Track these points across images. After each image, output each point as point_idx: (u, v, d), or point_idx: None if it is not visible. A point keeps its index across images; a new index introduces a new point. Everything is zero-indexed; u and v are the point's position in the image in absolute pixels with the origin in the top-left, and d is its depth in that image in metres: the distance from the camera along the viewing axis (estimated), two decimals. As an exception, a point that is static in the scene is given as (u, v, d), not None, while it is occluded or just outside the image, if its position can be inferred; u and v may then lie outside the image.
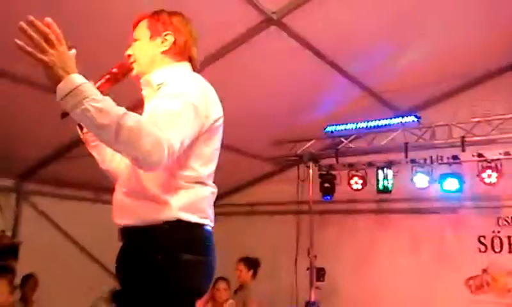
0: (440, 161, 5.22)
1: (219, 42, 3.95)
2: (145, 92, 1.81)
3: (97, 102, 1.41)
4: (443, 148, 5.22)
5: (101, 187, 6.28)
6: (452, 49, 4.72)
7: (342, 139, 5.74)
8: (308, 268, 5.60)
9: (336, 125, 5.57)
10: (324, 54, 4.39)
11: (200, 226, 1.67)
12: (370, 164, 5.58)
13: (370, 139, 5.65)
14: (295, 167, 6.17)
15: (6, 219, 5.63)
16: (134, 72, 1.80)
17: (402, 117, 5.23)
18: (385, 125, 5.28)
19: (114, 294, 5.07)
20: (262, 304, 4.93)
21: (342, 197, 6.05)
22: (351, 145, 5.69)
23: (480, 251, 5.51)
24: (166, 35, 1.79)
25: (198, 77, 1.73)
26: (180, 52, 1.81)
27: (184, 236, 1.62)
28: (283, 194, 6.63)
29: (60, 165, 5.37)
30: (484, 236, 5.51)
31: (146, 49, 1.79)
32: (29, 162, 5.49)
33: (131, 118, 1.42)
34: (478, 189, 5.17)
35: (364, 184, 5.61)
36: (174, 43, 1.79)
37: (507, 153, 4.77)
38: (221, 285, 4.77)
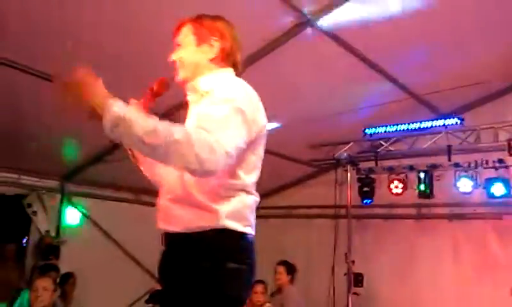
0: (485, 165, 5.02)
1: (256, 44, 3.94)
2: (191, 98, 1.83)
3: (143, 127, 1.43)
4: (488, 152, 5.03)
5: (140, 189, 6.44)
6: (497, 49, 4.54)
7: (382, 142, 5.61)
8: (345, 274, 5.50)
9: (376, 127, 5.46)
10: (363, 55, 4.31)
11: (244, 235, 1.67)
12: (411, 168, 5.42)
13: (411, 142, 5.50)
14: (333, 171, 6.08)
15: (50, 219, 5.84)
16: (179, 78, 1.81)
17: (445, 119, 5.06)
18: (427, 127, 5.12)
19: (151, 295, 5.17)
20: (299, 308, 4.88)
21: (380, 202, 5.91)
22: (391, 148, 5.56)
23: (526, 259, 5.26)
24: (212, 42, 1.79)
25: (244, 83, 1.72)
26: (226, 58, 1.81)
27: (230, 245, 1.62)
28: (320, 198, 6.55)
29: (101, 167, 5.52)
30: (530, 244, 5.25)
31: (192, 56, 1.79)
32: (72, 164, 5.69)
33: (179, 132, 1.44)
34: (525, 194, 4.93)
35: (404, 188, 5.46)
36: (220, 49, 1.79)
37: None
38: (258, 288, 4.76)
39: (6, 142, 4.78)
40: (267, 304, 4.76)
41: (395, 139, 5.53)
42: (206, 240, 1.59)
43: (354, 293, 5.43)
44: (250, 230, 1.70)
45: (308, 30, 3.86)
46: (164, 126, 1.44)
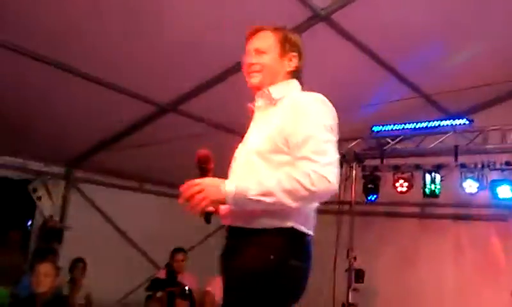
0: (491, 166, 4.99)
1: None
2: (260, 102, 1.92)
3: (252, 194, 1.63)
4: (495, 154, 5.00)
5: (145, 177, 6.46)
6: (506, 51, 4.49)
7: (388, 140, 5.59)
8: (346, 270, 5.51)
9: (383, 125, 5.43)
10: (374, 51, 4.29)
11: (306, 236, 1.79)
12: (417, 167, 5.40)
13: (417, 141, 5.47)
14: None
15: (54, 205, 5.86)
16: (254, 81, 1.89)
17: (454, 119, 5.03)
18: (435, 126, 5.10)
19: (152, 282, 5.19)
20: (299, 304, 4.87)
21: (385, 200, 5.91)
22: (397, 146, 5.53)
23: (528, 261, 5.26)
24: (292, 56, 1.91)
25: (323, 97, 1.82)
26: (297, 73, 1.94)
27: (294, 244, 1.75)
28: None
29: (107, 154, 5.53)
30: (533, 246, 5.25)
31: (274, 65, 1.89)
32: (77, 151, 5.69)
33: (285, 182, 1.62)
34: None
35: (410, 187, 5.45)
36: (296, 65, 1.92)
37: None
38: None
39: (12, 127, 4.79)
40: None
41: (402, 137, 5.51)
42: (274, 236, 1.72)
43: (355, 289, 5.46)
44: (311, 232, 1.82)
45: (320, 25, 3.83)
46: (269, 182, 1.63)
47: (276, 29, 1.93)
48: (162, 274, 5.33)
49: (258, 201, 1.63)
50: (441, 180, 5.18)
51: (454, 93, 4.88)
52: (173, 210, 6.45)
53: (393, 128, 5.36)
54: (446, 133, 5.11)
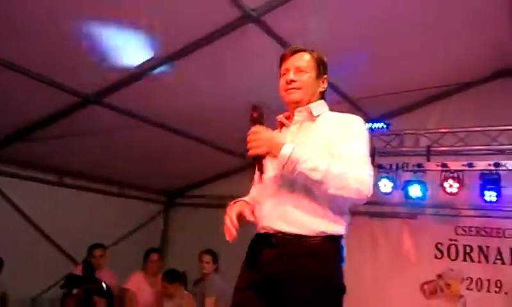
0: (405, 168, 5.34)
1: (195, 34, 3.89)
2: (299, 117, 2.13)
3: (306, 163, 1.83)
4: (410, 156, 5.35)
5: (65, 171, 6.14)
6: (424, 62, 4.84)
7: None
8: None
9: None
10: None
11: (343, 242, 2.02)
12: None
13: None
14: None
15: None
16: (295, 97, 2.11)
17: (372, 123, 5.34)
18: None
19: (67, 279, 4.96)
20: (221, 298, 4.90)
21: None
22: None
23: (436, 257, 5.70)
24: (325, 79, 2.20)
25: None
26: (324, 94, 2.21)
27: (341, 249, 2.00)
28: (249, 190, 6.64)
29: (24, 145, 5.18)
30: (441, 243, 5.70)
31: (312, 84, 2.13)
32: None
33: (335, 168, 1.83)
34: (439, 198, 5.32)
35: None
36: (326, 87, 2.20)
37: (469, 165, 4.92)
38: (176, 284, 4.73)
39: None
40: (185, 293, 4.74)
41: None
42: (331, 243, 1.95)
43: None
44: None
45: (250, 25, 3.86)
46: (322, 163, 1.84)
47: (312, 52, 2.18)
48: (78, 270, 5.11)
49: (305, 170, 1.83)
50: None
51: (375, 99, 5.18)
52: (93, 205, 6.31)
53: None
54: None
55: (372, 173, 1.91)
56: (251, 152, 1.89)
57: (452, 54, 4.83)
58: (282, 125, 2.23)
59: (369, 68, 4.79)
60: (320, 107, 2.13)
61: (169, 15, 3.58)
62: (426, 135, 5.24)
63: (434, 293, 5.64)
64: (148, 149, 5.85)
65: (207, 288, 4.94)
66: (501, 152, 4.84)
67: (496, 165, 4.74)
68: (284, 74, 2.14)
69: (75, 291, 4.82)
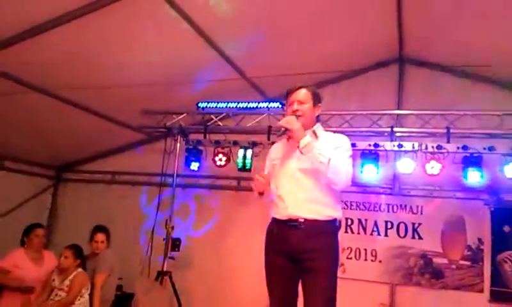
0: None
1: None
2: (305, 139, 2.78)
3: (318, 149, 2.75)
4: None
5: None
6: (317, 47, 5.16)
7: (212, 117, 5.88)
8: (164, 239, 5.68)
9: (208, 102, 5.69)
10: (203, 30, 4.43)
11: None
12: (235, 143, 5.82)
13: (238, 119, 5.88)
14: (163, 139, 6.15)
15: None
16: (300, 123, 2.83)
17: (269, 102, 5.57)
18: (253, 107, 5.57)
19: None
20: (111, 275, 4.82)
21: (206, 173, 6.24)
22: (219, 123, 5.86)
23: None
24: (319, 107, 3.01)
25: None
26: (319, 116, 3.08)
27: (339, 227, 2.94)
28: (148, 165, 6.57)
29: None
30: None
31: (310, 111, 2.95)
32: None
33: (334, 161, 2.73)
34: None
35: (227, 161, 5.84)
36: (319, 112, 3.03)
37: (353, 145, 5.33)
38: (68, 253, 4.55)
39: None
40: (79, 270, 4.58)
41: (224, 114, 5.85)
42: (333, 224, 2.88)
43: (171, 258, 5.66)
44: None
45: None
46: (328, 155, 2.74)
47: (309, 87, 2.98)
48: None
49: (317, 153, 2.71)
50: (255, 155, 5.67)
51: (273, 79, 5.40)
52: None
53: (217, 106, 5.67)
54: (262, 114, 5.62)
55: (352, 170, 2.89)
56: (289, 126, 2.75)
57: (343, 42, 5.21)
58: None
59: (266, 49, 4.98)
60: (319, 129, 3.00)
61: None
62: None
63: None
64: (35, 120, 5.47)
65: (100, 264, 4.81)
66: (380, 134, 5.35)
67: (376, 145, 5.24)
68: (290, 105, 2.94)
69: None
